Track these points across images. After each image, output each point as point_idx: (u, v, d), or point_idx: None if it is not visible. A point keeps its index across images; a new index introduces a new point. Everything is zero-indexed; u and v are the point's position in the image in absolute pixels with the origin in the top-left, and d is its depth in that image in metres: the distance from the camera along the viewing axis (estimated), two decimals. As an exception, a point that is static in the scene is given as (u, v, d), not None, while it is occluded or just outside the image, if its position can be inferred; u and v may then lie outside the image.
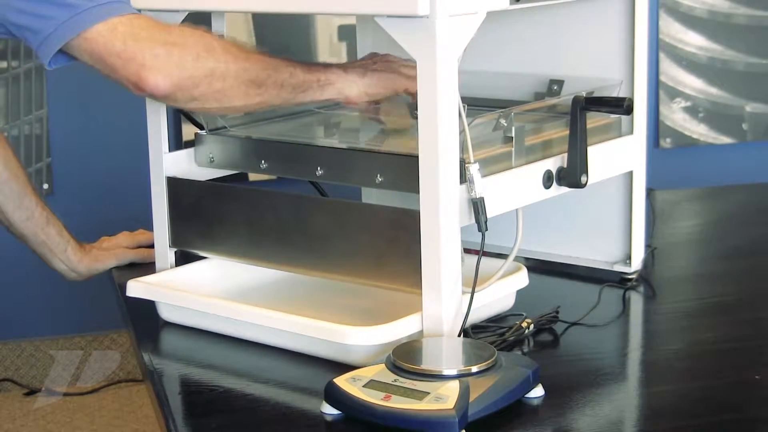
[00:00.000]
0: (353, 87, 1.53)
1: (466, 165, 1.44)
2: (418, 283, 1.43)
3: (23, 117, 3.36)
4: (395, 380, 1.29)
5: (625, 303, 1.70)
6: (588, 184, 1.59)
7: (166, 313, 1.62)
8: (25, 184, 1.84)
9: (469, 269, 1.46)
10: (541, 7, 1.74)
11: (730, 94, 3.72)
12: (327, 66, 1.54)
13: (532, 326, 1.54)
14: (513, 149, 1.54)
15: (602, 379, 1.43)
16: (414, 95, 1.51)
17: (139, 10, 1.53)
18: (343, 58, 3.35)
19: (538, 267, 1.82)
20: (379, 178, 1.51)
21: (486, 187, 1.45)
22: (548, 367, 1.40)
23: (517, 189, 1.54)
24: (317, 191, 1.80)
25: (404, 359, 1.32)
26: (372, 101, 1.56)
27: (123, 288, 1.66)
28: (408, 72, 1.56)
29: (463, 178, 1.44)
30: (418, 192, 1.41)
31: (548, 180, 1.58)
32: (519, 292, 1.61)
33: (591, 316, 1.60)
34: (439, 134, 1.39)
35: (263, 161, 1.64)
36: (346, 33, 3.37)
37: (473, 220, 1.45)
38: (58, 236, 1.85)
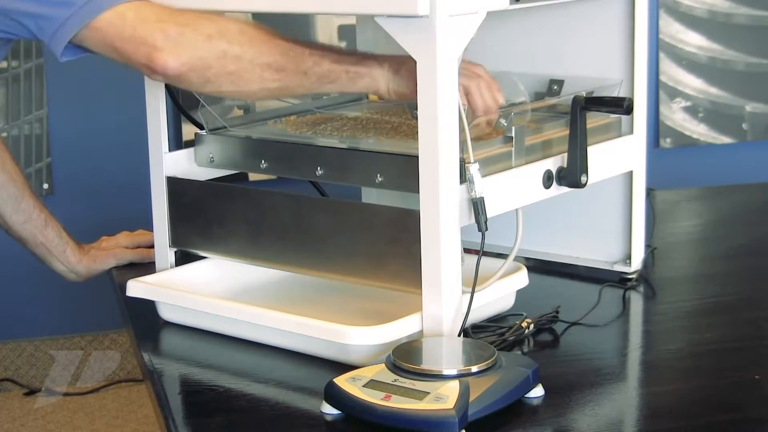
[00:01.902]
0: (382, 82, 1.49)
1: (466, 165, 1.44)
2: (418, 283, 1.43)
3: (23, 117, 3.36)
4: (395, 380, 1.29)
5: (625, 303, 1.70)
6: (588, 184, 1.59)
7: (166, 313, 1.62)
8: (23, 187, 1.83)
9: (469, 269, 1.46)
10: (541, 7, 1.74)
11: (730, 94, 3.72)
12: (360, 57, 1.51)
13: (532, 326, 1.54)
14: (513, 149, 1.54)
15: (602, 379, 1.43)
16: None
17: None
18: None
19: (538, 267, 1.82)
20: (379, 178, 1.51)
21: (486, 187, 1.45)
22: (548, 367, 1.40)
23: (517, 189, 1.54)
24: (317, 191, 1.80)
25: (404, 359, 1.32)
26: (402, 100, 1.53)
27: (123, 288, 1.66)
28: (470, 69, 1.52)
29: (463, 178, 1.44)
30: (418, 192, 1.41)
31: (548, 180, 1.58)
32: (519, 292, 1.61)
33: (591, 316, 1.60)
34: (439, 134, 1.39)
35: (263, 161, 1.64)
36: (346, 33, 3.37)
37: (473, 220, 1.45)
38: (57, 237, 1.85)
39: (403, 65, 1.49)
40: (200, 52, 1.44)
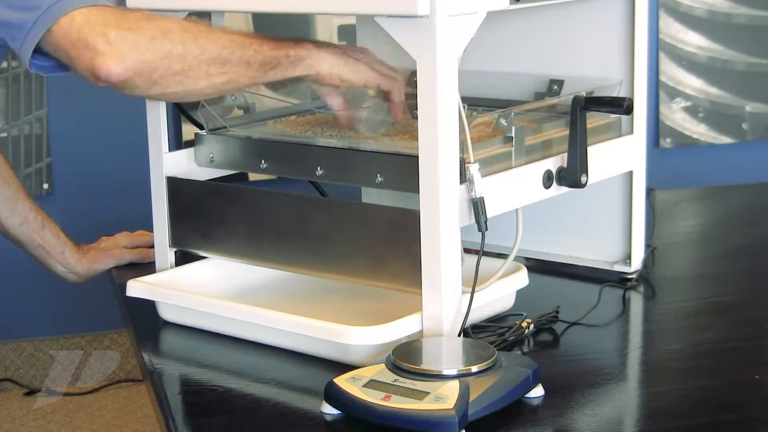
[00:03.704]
0: (325, 64, 1.48)
1: (466, 165, 1.44)
2: (418, 283, 1.43)
3: (23, 117, 3.36)
4: (395, 380, 1.29)
5: (625, 303, 1.70)
6: (588, 184, 1.59)
7: (166, 313, 1.62)
8: (18, 190, 1.83)
9: (469, 269, 1.46)
10: (541, 7, 1.74)
11: (730, 94, 3.72)
12: (298, 41, 1.49)
13: (532, 326, 1.54)
14: (513, 149, 1.54)
15: (602, 379, 1.43)
16: (385, 93, 1.53)
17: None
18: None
19: (538, 267, 1.82)
20: (379, 178, 1.51)
21: (486, 187, 1.45)
22: (548, 367, 1.40)
23: (517, 189, 1.54)
24: (317, 191, 1.80)
25: (404, 359, 1.32)
26: (342, 86, 1.52)
27: (123, 288, 1.66)
28: (383, 70, 1.53)
29: (463, 178, 1.44)
30: (418, 192, 1.41)
31: (548, 180, 1.58)
32: (519, 292, 1.61)
33: (591, 316, 1.60)
34: (439, 134, 1.39)
35: (263, 161, 1.64)
36: (346, 33, 3.37)
37: (473, 220, 1.45)
38: (55, 239, 1.85)
39: (347, 51, 1.49)
40: (144, 55, 1.41)
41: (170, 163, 1.69)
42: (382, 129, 1.58)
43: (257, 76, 1.47)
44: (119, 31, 1.41)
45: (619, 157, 1.73)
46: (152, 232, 1.72)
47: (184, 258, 1.71)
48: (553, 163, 1.59)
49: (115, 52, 1.40)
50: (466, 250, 1.48)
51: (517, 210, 1.57)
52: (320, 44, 1.50)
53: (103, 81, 1.42)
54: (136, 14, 1.45)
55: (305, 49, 1.48)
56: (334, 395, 1.30)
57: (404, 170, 1.46)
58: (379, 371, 1.31)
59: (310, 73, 1.49)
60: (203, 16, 1.68)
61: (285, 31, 1.50)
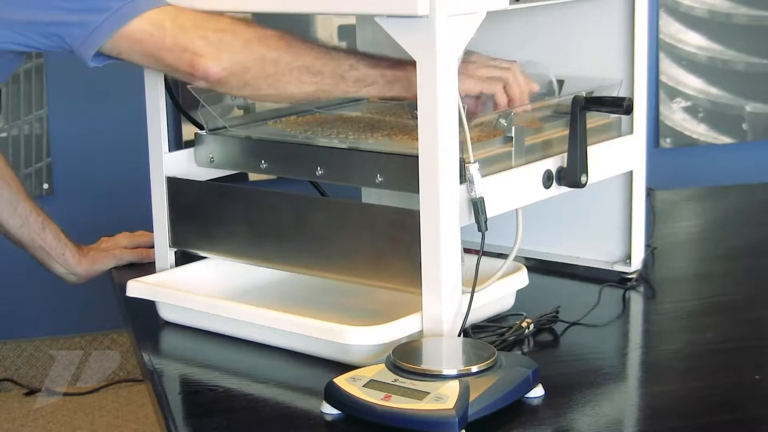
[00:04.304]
0: None
1: (466, 165, 1.44)
2: (418, 283, 1.43)
3: (23, 117, 3.36)
4: (395, 380, 1.29)
5: (625, 303, 1.70)
6: (588, 184, 1.59)
7: (166, 313, 1.62)
8: (18, 191, 1.83)
9: (469, 269, 1.46)
10: (541, 7, 1.74)
11: (730, 94, 3.72)
12: (395, 61, 1.49)
13: (532, 326, 1.54)
14: (513, 149, 1.54)
15: (602, 379, 1.43)
16: (501, 103, 1.52)
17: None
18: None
19: (538, 267, 1.82)
20: (379, 178, 1.51)
21: (486, 187, 1.45)
22: (548, 367, 1.40)
23: (517, 189, 1.54)
24: (317, 191, 1.80)
25: (404, 359, 1.32)
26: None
27: (123, 288, 1.66)
28: (486, 73, 1.52)
29: (463, 178, 1.44)
30: (418, 192, 1.41)
31: (548, 180, 1.58)
32: (519, 292, 1.61)
33: (591, 316, 1.60)
34: (439, 134, 1.39)
35: (263, 161, 1.64)
36: (346, 33, 3.37)
37: (473, 220, 1.45)
38: (55, 240, 1.85)
39: None
40: (239, 56, 1.46)
41: (170, 164, 1.69)
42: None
43: (351, 90, 1.50)
44: (216, 33, 1.47)
45: (619, 157, 1.73)
46: (152, 232, 1.72)
47: (184, 258, 1.72)
48: (553, 163, 1.59)
49: (215, 52, 1.46)
50: (466, 250, 1.48)
51: (517, 210, 1.57)
52: None
53: (200, 79, 1.48)
54: (226, 17, 1.50)
55: (403, 70, 1.47)
56: (334, 395, 1.30)
57: (404, 170, 1.46)
58: (379, 371, 1.31)
59: (408, 95, 1.48)
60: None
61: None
